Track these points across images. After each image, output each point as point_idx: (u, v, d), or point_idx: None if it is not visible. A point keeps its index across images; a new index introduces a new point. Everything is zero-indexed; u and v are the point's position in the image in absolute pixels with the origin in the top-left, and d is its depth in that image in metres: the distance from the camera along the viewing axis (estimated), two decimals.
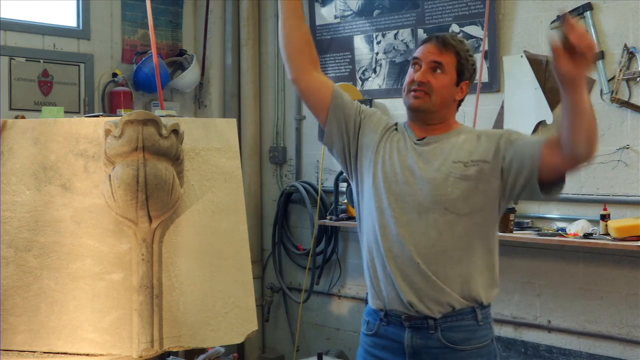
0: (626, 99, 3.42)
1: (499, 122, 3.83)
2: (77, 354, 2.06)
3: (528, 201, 3.74)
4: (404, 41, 4.26)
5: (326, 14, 4.65)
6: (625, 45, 3.40)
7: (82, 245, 2.07)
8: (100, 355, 2.05)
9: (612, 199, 3.47)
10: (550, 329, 3.74)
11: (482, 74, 3.80)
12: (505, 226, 3.57)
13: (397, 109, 4.25)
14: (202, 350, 3.43)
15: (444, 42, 2.13)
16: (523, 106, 3.74)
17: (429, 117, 2.16)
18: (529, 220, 3.71)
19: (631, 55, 3.39)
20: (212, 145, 2.18)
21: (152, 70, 4.42)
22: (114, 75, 4.56)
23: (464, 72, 2.15)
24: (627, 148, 3.44)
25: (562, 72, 1.79)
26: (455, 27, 4.01)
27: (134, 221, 2.01)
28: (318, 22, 4.66)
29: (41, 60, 4.28)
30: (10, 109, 4.11)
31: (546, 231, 3.56)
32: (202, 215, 2.13)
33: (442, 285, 2.06)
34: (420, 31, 4.17)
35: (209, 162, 2.17)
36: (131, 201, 1.95)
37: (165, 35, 4.93)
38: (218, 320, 2.13)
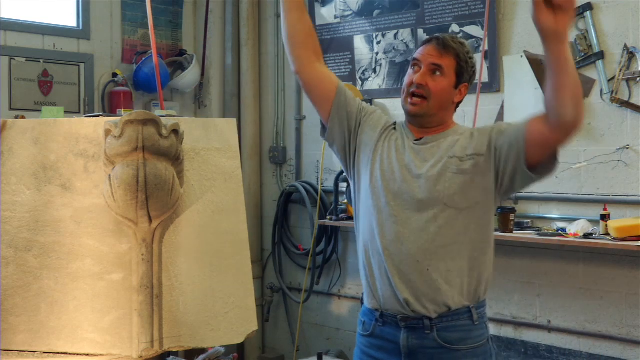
0: (626, 99, 3.42)
1: None
2: (77, 354, 2.05)
3: (528, 201, 3.75)
4: (404, 41, 4.26)
5: (326, 14, 4.65)
6: (625, 45, 3.40)
7: (82, 245, 2.07)
8: (100, 355, 2.05)
9: (612, 199, 3.48)
10: (550, 329, 3.74)
11: (482, 74, 3.80)
12: (505, 226, 3.57)
13: (397, 108, 4.25)
14: (202, 350, 3.43)
15: (444, 45, 2.13)
16: (523, 106, 3.74)
17: (427, 121, 2.17)
18: (529, 220, 3.71)
19: (631, 55, 3.39)
20: (212, 145, 2.18)
21: (152, 70, 4.43)
22: (114, 75, 4.56)
23: (463, 75, 2.16)
24: (627, 148, 3.44)
25: (542, 24, 1.79)
26: (455, 27, 4.01)
27: (134, 221, 2.01)
28: (318, 22, 4.65)
29: (41, 60, 4.28)
30: (10, 109, 4.11)
31: (546, 231, 3.56)
32: (202, 215, 2.13)
33: (440, 284, 2.07)
34: (420, 31, 4.17)
35: (209, 162, 2.17)
36: (131, 201, 1.95)
37: (165, 35, 4.93)
38: (218, 320, 2.12)
